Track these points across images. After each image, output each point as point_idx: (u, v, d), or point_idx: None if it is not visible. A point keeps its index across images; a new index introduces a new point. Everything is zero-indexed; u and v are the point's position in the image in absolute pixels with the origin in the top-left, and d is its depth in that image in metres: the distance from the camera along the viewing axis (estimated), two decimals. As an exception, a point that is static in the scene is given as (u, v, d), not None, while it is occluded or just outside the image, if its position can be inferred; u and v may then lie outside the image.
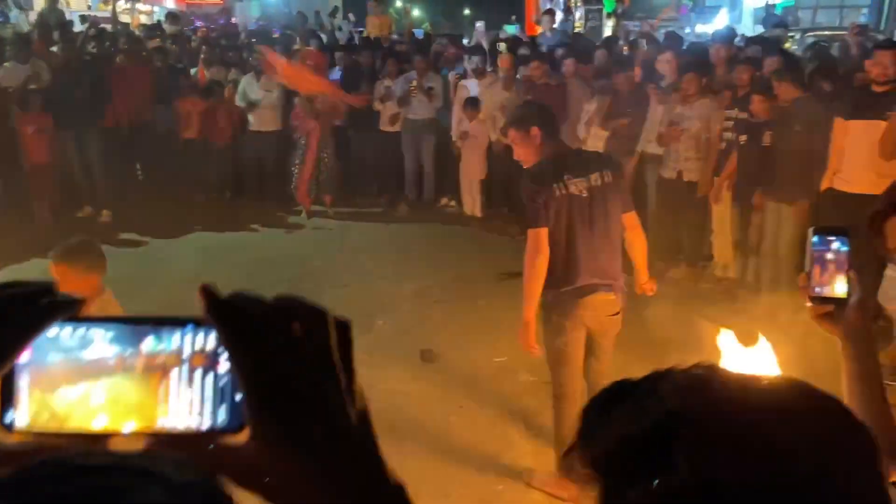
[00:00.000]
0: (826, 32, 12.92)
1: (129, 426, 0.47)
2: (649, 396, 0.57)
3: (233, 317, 0.47)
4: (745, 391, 0.58)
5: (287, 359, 0.47)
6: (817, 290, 1.18)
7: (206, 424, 0.47)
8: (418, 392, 4.18)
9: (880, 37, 7.94)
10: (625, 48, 8.60)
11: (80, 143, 7.31)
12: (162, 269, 6.16)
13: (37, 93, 7.10)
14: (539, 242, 3.06)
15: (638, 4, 14.08)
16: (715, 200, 5.75)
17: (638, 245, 3.35)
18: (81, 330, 0.47)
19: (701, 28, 23.69)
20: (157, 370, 0.47)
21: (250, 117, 7.86)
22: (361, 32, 11.85)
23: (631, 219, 3.29)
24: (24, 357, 0.47)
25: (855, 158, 4.67)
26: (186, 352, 0.47)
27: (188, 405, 0.47)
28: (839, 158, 4.78)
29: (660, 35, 9.17)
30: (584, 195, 3.06)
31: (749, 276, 5.63)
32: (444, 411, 4.02)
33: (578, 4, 12.45)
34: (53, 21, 10.30)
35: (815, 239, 1.18)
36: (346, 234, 7.35)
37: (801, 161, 4.96)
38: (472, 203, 7.65)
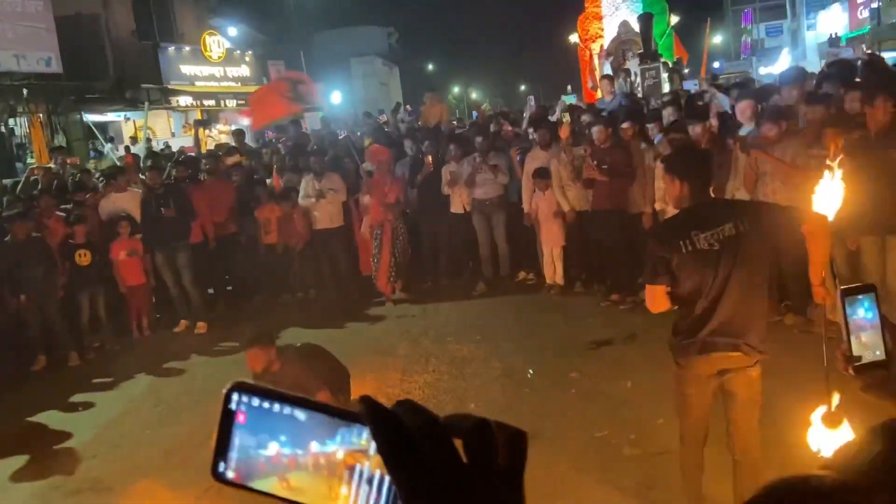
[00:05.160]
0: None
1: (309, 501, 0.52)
2: None
3: (389, 426, 0.50)
4: None
5: (440, 472, 0.49)
6: (859, 357, 1.06)
7: None
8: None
9: None
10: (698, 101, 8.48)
11: (171, 261, 7.71)
12: (255, 373, 6.28)
13: (124, 219, 7.59)
14: (654, 298, 3.09)
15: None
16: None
17: (813, 252, 2.99)
18: (288, 408, 0.53)
19: (764, 70, 23.35)
20: (346, 460, 0.52)
21: (316, 213, 8.10)
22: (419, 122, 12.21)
23: (807, 228, 2.88)
24: (241, 419, 0.53)
25: None
26: (372, 450, 0.51)
27: (366, 499, 0.51)
28: None
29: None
30: (715, 248, 2.95)
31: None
32: (550, 495, 3.83)
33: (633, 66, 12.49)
34: (161, 154, 11.23)
35: (845, 304, 1.06)
36: (428, 319, 7.35)
37: None
38: (553, 272, 7.56)
